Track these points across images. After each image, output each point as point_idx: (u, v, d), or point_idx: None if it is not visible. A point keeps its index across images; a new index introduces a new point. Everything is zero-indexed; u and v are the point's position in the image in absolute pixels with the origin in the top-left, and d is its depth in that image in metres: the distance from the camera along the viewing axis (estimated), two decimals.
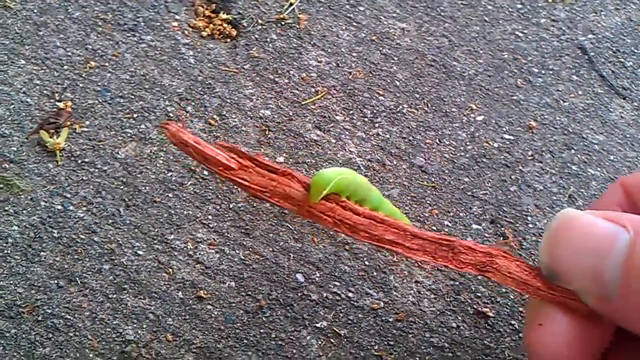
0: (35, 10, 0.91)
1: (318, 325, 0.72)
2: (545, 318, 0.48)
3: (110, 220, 0.77)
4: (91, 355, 0.70)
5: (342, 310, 0.73)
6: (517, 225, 0.80)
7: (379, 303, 0.74)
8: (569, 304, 0.47)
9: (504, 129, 0.87)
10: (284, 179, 0.49)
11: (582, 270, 0.44)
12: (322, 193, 0.48)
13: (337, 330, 0.72)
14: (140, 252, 0.75)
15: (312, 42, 0.92)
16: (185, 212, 0.78)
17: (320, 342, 0.72)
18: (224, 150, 0.50)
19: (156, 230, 0.76)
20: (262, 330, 0.72)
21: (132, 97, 0.85)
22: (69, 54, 0.88)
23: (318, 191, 0.48)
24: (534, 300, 0.51)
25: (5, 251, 0.74)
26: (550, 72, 0.93)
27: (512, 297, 0.75)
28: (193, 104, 0.85)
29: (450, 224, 0.79)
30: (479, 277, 0.76)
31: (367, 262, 0.76)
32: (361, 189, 0.51)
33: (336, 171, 0.49)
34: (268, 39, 0.92)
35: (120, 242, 0.76)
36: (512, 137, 0.86)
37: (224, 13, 0.93)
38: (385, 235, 0.50)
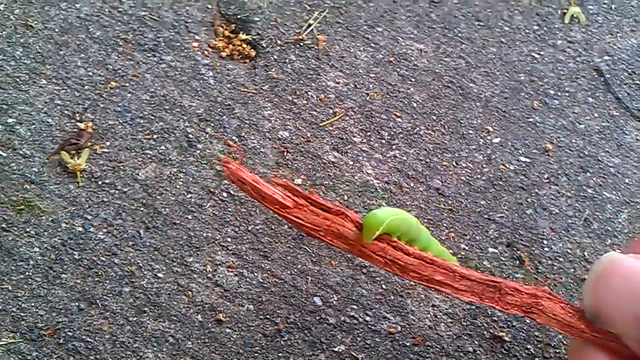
0: (56, 30, 0.92)
1: (336, 349, 0.73)
2: (588, 359, 0.49)
3: (131, 242, 0.78)
4: None
5: (360, 334, 0.74)
6: (533, 248, 0.80)
7: (396, 327, 0.75)
8: (612, 346, 0.47)
9: (520, 152, 0.88)
10: (337, 218, 0.50)
11: (625, 315, 0.44)
12: (374, 233, 0.49)
13: (354, 355, 0.73)
14: (160, 275, 0.76)
15: (330, 63, 0.93)
16: (204, 234, 0.78)
17: None
18: (280, 188, 0.51)
19: (176, 252, 0.77)
20: (280, 354, 0.72)
21: (152, 117, 0.86)
22: (90, 74, 0.89)
23: (371, 231, 0.49)
24: (578, 341, 0.52)
25: (27, 273, 0.75)
26: (566, 94, 0.94)
27: (528, 321, 0.75)
28: (212, 125, 0.86)
29: (466, 247, 0.79)
30: None
31: (384, 286, 0.77)
32: (412, 230, 0.52)
33: (389, 212, 0.50)
34: (287, 60, 0.93)
35: (141, 264, 0.76)
36: (528, 160, 0.87)
37: (243, 33, 0.94)
38: (434, 276, 0.51)
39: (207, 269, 0.76)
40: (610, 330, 0.47)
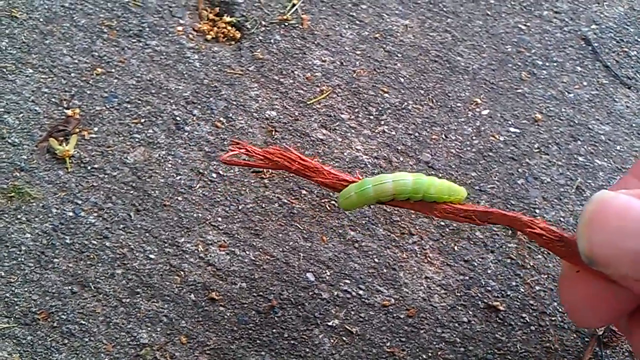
0: (41, 19, 0.92)
1: (330, 323, 0.73)
2: (583, 268, 0.48)
3: (122, 225, 0.78)
4: None
5: (354, 308, 0.74)
6: None
7: (389, 300, 0.74)
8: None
9: (510, 122, 0.87)
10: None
11: (623, 255, 0.42)
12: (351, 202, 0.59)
13: (349, 328, 0.73)
14: (151, 256, 0.76)
15: (315, 42, 0.93)
16: (194, 215, 0.78)
17: (332, 341, 0.72)
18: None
19: (167, 233, 0.77)
20: (274, 330, 0.72)
21: (139, 102, 0.86)
22: (76, 61, 0.89)
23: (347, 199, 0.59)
24: (569, 267, 0.52)
25: (19, 259, 0.75)
26: (555, 64, 0.93)
27: (522, 290, 0.75)
28: (199, 107, 0.86)
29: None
30: (489, 271, 0.76)
31: (376, 260, 0.76)
32: (397, 189, 0.57)
33: (349, 192, 0.59)
34: (272, 40, 0.92)
35: (132, 246, 0.76)
36: (518, 130, 0.87)
37: (227, 16, 0.94)
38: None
39: (199, 249, 0.76)
40: (609, 273, 0.45)
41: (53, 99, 0.86)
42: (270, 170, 0.81)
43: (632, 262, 0.42)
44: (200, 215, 0.78)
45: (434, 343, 0.72)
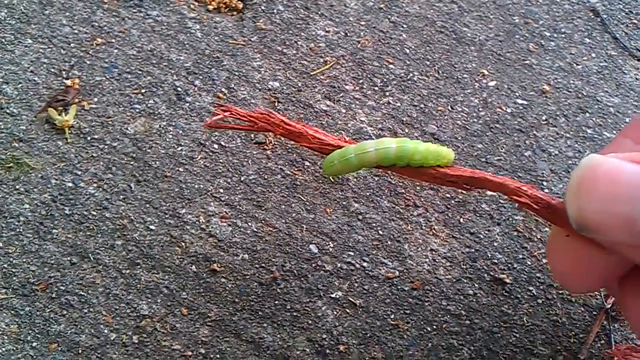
0: None
1: (333, 295, 0.72)
2: (572, 233, 0.47)
3: (122, 196, 0.76)
4: (106, 331, 0.69)
5: (357, 280, 0.73)
6: None
7: (394, 272, 0.73)
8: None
9: (517, 94, 0.86)
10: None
11: (614, 220, 0.41)
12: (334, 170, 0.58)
13: (352, 300, 0.72)
14: (152, 227, 0.75)
15: (319, 12, 0.91)
16: (196, 186, 0.77)
17: (335, 313, 0.71)
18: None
19: (168, 204, 0.76)
20: (277, 302, 0.71)
21: (140, 72, 0.85)
22: (75, 31, 0.88)
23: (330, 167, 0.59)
24: (558, 230, 0.51)
25: (18, 230, 0.74)
26: (563, 35, 0.92)
27: (529, 263, 0.74)
28: (201, 77, 0.85)
29: (464, 191, 0.78)
30: (495, 244, 0.75)
31: (380, 232, 0.75)
32: (380, 159, 0.56)
33: (333, 159, 0.58)
34: (275, 11, 0.91)
35: (132, 217, 0.75)
36: (525, 102, 0.85)
37: None
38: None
39: (200, 220, 0.75)
40: (598, 239, 0.44)
41: (52, 69, 0.85)
42: (272, 142, 0.80)
43: (622, 227, 0.41)
44: (201, 186, 0.77)
45: (439, 316, 0.71)
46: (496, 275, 0.73)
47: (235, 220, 0.75)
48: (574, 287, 0.55)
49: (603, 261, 0.48)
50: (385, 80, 0.86)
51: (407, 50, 0.88)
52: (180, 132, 0.81)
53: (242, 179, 0.78)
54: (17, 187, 0.76)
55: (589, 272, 0.49)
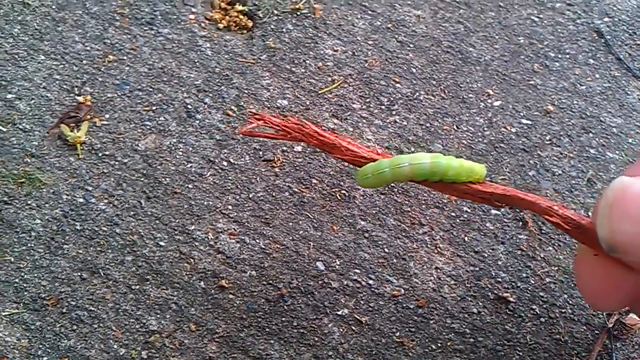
0: (53, 7, 0.92)
1: (339, 312, 0.73)
2: (601, 252, 0.48)
3: (132, 212, 0.78)
4: (115, 346, 0.70)
5: (363, 298, 0.74)
6: None
7: (399, 290, 0.74)
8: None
9: (522, 114, 0.87)
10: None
11: None
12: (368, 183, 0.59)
13: (358, 318, 0.73)
14: (161, 243, 0.76)
15: (327, 32, 0.92)
16: (205, 203, 0.78)
17: (341, 330, 0.72)
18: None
19: (177, 221, 0.77)
20: (283, 319, 0.72)
21: (151, 89, 0.86)
22: (88, 48, 0.89)
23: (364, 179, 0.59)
24: (586, 250, 0.51)
25: (29, 244, 0.75)
26: (567, 56, 0.93)
27: (532, 282, 0.75)
28: (211, 95, 0.86)
29: (469, 210, 0.79)
30: (499, 263, 0.76)
31: (386, 250, 0.76)
32: (415, 173, 0.57)
33: (370, 170, 0.58)
34: (284, 29, 0.92)
35: (142, 233, 0.76)
36: (529, 122, 0.86)
37: (239, 4, 0.94)
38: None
39: (209, 237, 0.76)
40: (629, 260, 0.45)
41: (64, 86, 0.86)
42: (280, 159, 0.81)
43: None
44: (210, 203, 0.78)
45: (444, 334, 0.72)
46: (500, 294, 0.74)
47: (243, 237, 0.77)
48: (600, 305, 0.56)
49: (630, 281, 0.48)
50: (392, 99, 0.87)
51: (414, 70, 0.90)
52: (190, 149, 0.82)
53: (251, 196, 0.79)
54: (29, 202, 0.78)
55: (616, 291, 0.50)
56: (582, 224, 0.52)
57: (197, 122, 0.84)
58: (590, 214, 0.80)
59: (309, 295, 0.74)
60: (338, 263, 0.75)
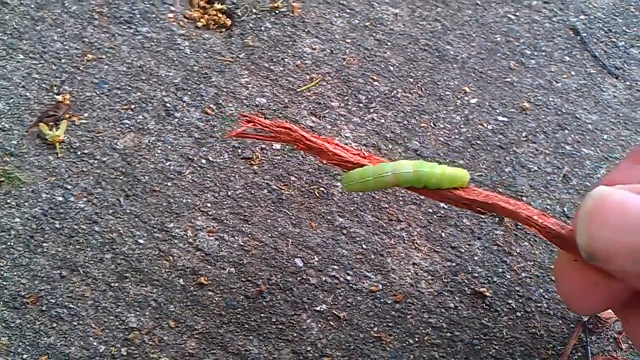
0: (32, 6, 0.92)
1: (318, 308, 0.73)
2: (580, 259, 0.48)
3: (111, 210, 0.78)
4: (95, 343, 0.71)
5: (341, 294, 0.74)
6: None
7: (377, 285, 0.75)
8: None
9: (498, 111, 0.88)
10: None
11: (622, 251, 0.42)
12: (353, 188, 0.60)
13: (336, 313, 0.73)
14: (140, 241, 0.76)
15: (306, 30, 0.93)
16: (184, 201, 0.79)
17: (320, 325, 0.73)
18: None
19: (156, 219, 0.78)
20: (262, 315, 0.73)
21: (130, 88, 0.86)
22: (67, 47, 0.89)
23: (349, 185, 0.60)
24: (565, 256, 0.52)
25: (8, 243, 0.75)
26: (543, 53, 0.94)
27: (508, 276, 0.76)
28: (189, 93, 0.86)
29: (446, 206, 0.80)
30: (476, 258, 0.76)
31: (364, 246, 0.77)
32: (400, 180, 0.58)
33: (362, 173, 0.59)
34: (262, 28, 0.93)
35: (121, 231, 0.77)
36: (505, 119, 0.87)
37: (218, 3, 0.94)
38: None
39: (188, 234, 0.77)
40: (608, 269, 0.45)
41: (43, 85, 0.86)
42: (259, 157, 0.81)
43: (630, 257, 0.42)
44: (189, 200, 0.79)
45: (421, 328, 0.73)
46: (476, 289, 0.75)
47: (222, 235, 0.77)
48: (578, 308, 0.57)
49: (609, 286, 0.49)
50: (369, 97, 0.88)
51: (391, 68, 0.90)
52: (169, 147, 0.82)
53: (229, 193, 0.80)
54: (8, 201, 0.78)
55: (595, 295, 0.50)
56: (562, 233, 0.53)
57: (176, 120, 0.84)
58: (565, 209, 0.81)
59: (287, 292, 0.74)
60: (316, 259, 0.76)
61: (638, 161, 0.54)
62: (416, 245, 0.77)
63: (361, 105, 0.87)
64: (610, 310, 0.73)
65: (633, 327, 0.52)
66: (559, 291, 0.55)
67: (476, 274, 0.76)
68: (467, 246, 0.78)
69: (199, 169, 0.81)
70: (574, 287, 0.52)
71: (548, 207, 0.81)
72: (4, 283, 0.73)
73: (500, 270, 0.76)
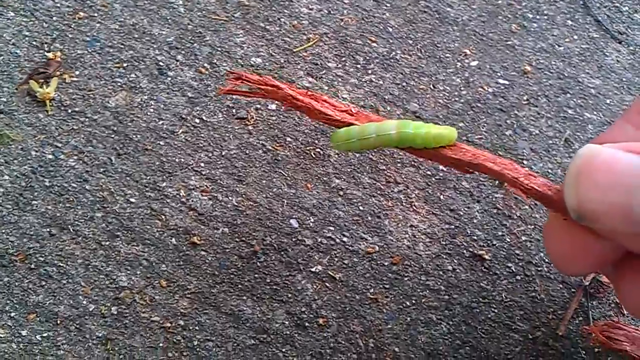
0: None
1: (313, 269, 0.72)
2: (570, 219, 0.47)
3: (102, 169, 0.76)
4: (85, 302, 0.69)
5: (337, 255, 0.73)
6: None
7: (374, 247, 0.74)
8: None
9: (499, 74, 0.86)
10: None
11: (611, 210, 0.41)
12: (340, 148, 0.59)
13: (332, 274, 0.72)
14: (132, 200, 0.75)
15: None
16: (177, 160, 0.77)
17: (315, 286, 0.71)
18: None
19: (148, 177, 0.76)
20: (256, 275, 0.71)
21: (122, 46, 0.84)
22: (58, 5, 0.87)
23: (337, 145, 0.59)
24: (556, 217, 0.51)
25: None
26: (545, 17, 0.92)
27: (508, 240, 0.75)
28: (183, 52, 0.84)
29: (445, 169, 0.78)
30: (475, 221, 0.75)
31: (361, 207, 0.75)
32: (378, 143, 0.57)
33: (343, 136, 0.58)
34: None
35: (112, 190, 0.75)
36: (507, 82, 0.86)
37: None
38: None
39: (181, 194, 0.75)
40: (597, 228, 0.45)
41: (34, 42, 0.84)
42: (254, 117, 0.80)
43: (618, 216, 0.41)
44: (182, 160, 0.77)
45: (418, 290, 0.72)
46: (475, 252, 0.74)
47: (216, 194, 0.75)
48: (569, 270, 0.56)
49: (599, 246, 0.48)
50: (368, 58, 0.86)
51: (390, 29, 0.89)
52: (162, 106, 0.80)
53: (224, 153, 0.78)
54: None
55: (585, 256, 0.50)
56: (549, 195, 0.52)
57: (169, 79, 0.82)
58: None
59: (282, 252, 0.73)
60: (312, 220, 0.74)
61: (630, 121, 0.53)
62: (414, 208, 0.76)
63: (359, 66, 0.85)
64: None
65: (623, 290, 0.51)
66: (548, 252, 0.54)
67: (475, 237, 0.75)
68: (466, 209, 0.76)
69: (192, 128, 0.79)
70: (564, 247, 0.51)
71: (549, 171, 0.79)
72: None
73: (499, 233, 0.75)
